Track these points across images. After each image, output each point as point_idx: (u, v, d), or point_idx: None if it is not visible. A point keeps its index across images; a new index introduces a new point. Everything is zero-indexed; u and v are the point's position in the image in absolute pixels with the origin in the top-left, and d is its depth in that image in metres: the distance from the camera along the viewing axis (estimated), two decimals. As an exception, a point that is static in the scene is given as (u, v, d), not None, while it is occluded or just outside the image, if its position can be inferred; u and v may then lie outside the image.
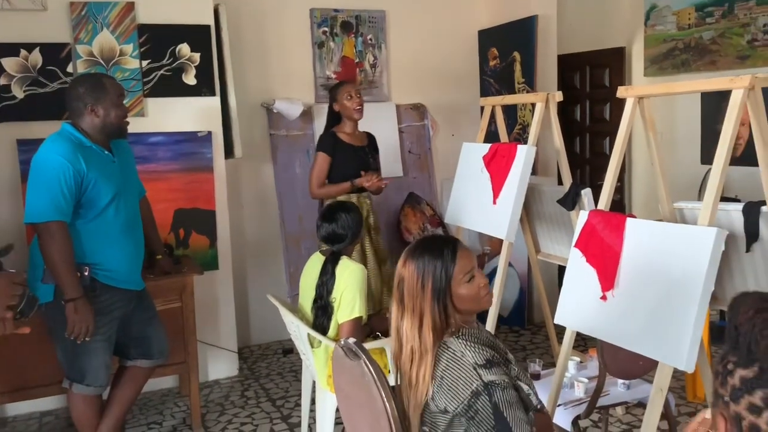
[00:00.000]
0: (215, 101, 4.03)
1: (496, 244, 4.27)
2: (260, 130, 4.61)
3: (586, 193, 3.20)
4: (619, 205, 5.30)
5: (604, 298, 2.47)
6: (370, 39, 4.89)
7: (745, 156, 3.72)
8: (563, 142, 3.46)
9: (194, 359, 3.48)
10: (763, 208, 2.25)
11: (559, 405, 2.77)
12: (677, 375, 3.48)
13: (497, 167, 3.49)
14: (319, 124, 4.18)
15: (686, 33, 4.81)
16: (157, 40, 3.84)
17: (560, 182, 3.72)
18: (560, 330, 3.00)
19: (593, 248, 2.56)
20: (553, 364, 3.21)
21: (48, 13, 3.63)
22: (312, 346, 2.92)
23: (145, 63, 3.83)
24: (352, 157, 3.75)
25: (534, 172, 3.54)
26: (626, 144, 2.66)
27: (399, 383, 1.81)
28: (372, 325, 3.07)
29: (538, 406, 1.81)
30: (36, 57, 3.60)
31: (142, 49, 3.81)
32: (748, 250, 2.30)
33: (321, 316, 2.90)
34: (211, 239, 4.05)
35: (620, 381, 2.83)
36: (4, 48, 3.55)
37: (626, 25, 5.29)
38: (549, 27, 4.76)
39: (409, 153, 4.98)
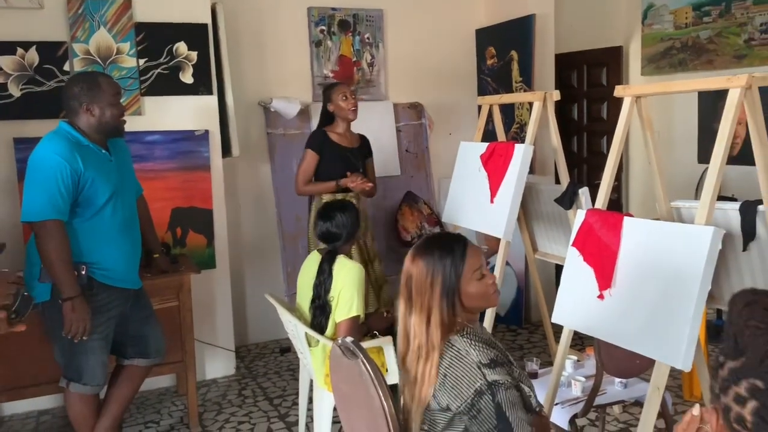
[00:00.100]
0: (212, 100, 4.02)
1: (493, 243, 4.27)
2: (257, 129, 4.60)
3: (584, 192, 3.20)
4: (617, 204, 5.31)
5: (601, 297, 2.47)
6: (368, 38, 4.89)
7: (741, 155, 3.72)
8: (561, 141, 3.46)
9: (191, 358, 3.47)
10: (760, 207, 2.26)
11: (556, 404, 2.78)
12: (674, 374, 3.49)
13: (495, 166, 3.49)
14: (317, 123, 4.17)
15: (683, 32, 4.81)
16: (154, 38, 3.83)
17: (557, 181, 3.73)
18: (557, 329, 3.01)
19: (590, 247, 2.56)
20: (551, 363, 3.21)
21: (45, 11, 3.63)
22: (309, 345, 2.92)
23: (142, 61, 3.82)
24: (339, 157, 3.75)
25: (531, 171, 3.54)
26: (623, 143, 2.66)
27: (403, 381, 1.81)
28: (370, 324, 3.08)
29: (537, 408, 1.82)
30: (33, 55, 3.59)
31: (139, 48, 3.80)
32: (744, 249, 2.31)
33: (319, 315, 2.89)
34: (208, 238, 4.05)
35: (617, 380, 2.83)
36: (1, 46, 3.54)
37: (623, 24, 5.30)
38: (546, 26, 4.76)
39: (407, 152, 4.98)
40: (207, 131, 3.98)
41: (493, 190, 3.47)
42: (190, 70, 3.92)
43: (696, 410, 1.07)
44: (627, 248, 2.41)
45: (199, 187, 3.98)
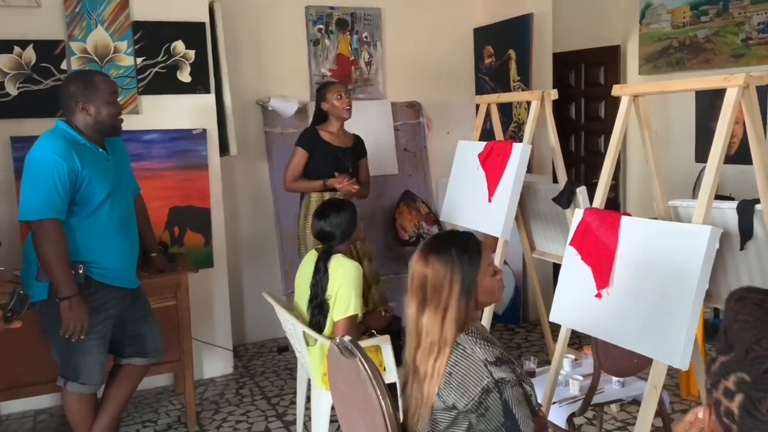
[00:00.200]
0: (210, 99, 4.02)
1: (491, 242, 4.26)
2: (255, 128, 4.60)
3: (581, 191, 3.20)
4: (614, 203, 5.31)
5: (599, 296, 2.47)
6: (366, 37, 4.88)
7: (739, 154, 3.72)
8: (558, 140, 3.46)
9: (189, 357, 3.47)
10: (757, 206, 2.26)
11: (554, 402, 2.78)
12: (671, 372, 3.49)
13: (492, 165, 3.49)
14: (312, 122, 4.16)
15: (681, 31, 4.82)
16: (152, 37, 3.83)
17: (555, 180, 3.73)
18: (555, 328, 3.01)
19: (588, 246, 2.57)
20: (548, 362, 3.21)
21: (42, 10, 3.62)
22: (307, 344, 2.92)
23: (139, 60, 3.82)
24: (329, 156, 3.73)
25: (529, 170, 3.54)
26: (621, 142, 2.67)
27: (409, 380, 1.80)
28: (367, 323, 3.07)
29: (536, 408, 1.82)
30: (30, 54, 3.59)
31: (136, 46, 3.80)
32: (742, 248, 2.31)
33: (317, 314, 2.89)
34: (206, 237, 4.04)
35: (615, 378, 2.84)
36: (-2, 45, 3.54)
37: (621, 23, 5.30)
38: (544, 25, 4.76)
39: (405, 151, 4.97)
40: (204, 130, 3.98)
41: (491, 189, 3.47)
42: (188, 69, 3.92)
43: (701, 413, 1.07)
44: (625, 247, 2.41)
45: (196, 186, 3.97)
